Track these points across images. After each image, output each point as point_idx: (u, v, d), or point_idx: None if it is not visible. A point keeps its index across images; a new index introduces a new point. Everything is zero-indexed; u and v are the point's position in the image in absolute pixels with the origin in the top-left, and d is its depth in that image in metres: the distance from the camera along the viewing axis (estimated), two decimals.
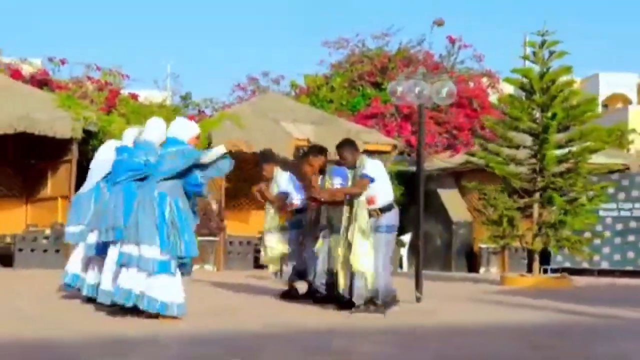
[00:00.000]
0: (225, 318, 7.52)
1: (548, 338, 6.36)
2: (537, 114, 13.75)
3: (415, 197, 20.23)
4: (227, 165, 7.25)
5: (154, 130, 7.45)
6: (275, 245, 9.40)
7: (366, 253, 7.62)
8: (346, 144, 8.12)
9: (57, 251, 15.23)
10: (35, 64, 20.75)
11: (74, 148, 15.41)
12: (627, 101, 44.19)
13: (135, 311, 7.00)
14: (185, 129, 7.20)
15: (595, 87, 42.33)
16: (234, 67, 58.26)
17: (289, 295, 9.40)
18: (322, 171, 8.76)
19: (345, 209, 7.91)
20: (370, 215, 7.80)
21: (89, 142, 15.73)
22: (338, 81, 22.09)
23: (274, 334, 6.43)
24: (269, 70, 22.75)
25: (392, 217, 8.03)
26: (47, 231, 15.68)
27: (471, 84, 22.86)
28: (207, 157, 7.12)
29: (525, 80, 13.80)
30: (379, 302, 7.86)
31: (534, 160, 13.44)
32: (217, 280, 12.60)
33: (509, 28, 64.92)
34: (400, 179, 20.42)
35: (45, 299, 8.78)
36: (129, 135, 7.92)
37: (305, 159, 8.86)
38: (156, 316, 6.90)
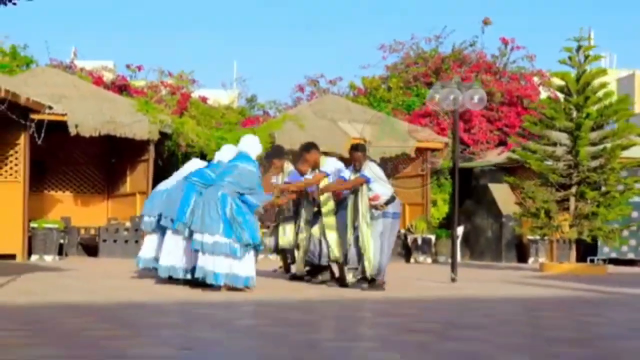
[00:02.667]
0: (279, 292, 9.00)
1: (544, 306, 7.63)
2: (574, 113, 14.83)
3: (467, 192, 21.57)
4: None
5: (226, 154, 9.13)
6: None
7: (371, 242, 9.04)
8: (358, 148, 9.57)
9: (137, 242, 16.89)
10: (109, 67, 22.48)
11: (151, 148, 17.07)
12: None
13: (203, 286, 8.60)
14: (254, 147, 8.78)
15: (631, 85, 42.55)
16: (296, 70, 59.98)
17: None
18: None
19: (351, 201, 9.33)
20: (377, 209, 9.22)
21: (164, 142, 17.40)
22: (394, 82, 23.37)
23: (323, 300, 7.85)
24: (326, 72, 23.96)
25: (396, 206, 9.47)
26: (127, 224, 17.37)
27: (523, 83, 23.85)
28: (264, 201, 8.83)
29: (562, 83, 14.92)
30: (379, 278, 9.19)
31: (569, 157, 14.56)
32: None
33: (561, 28, 65.33)
34: (453, 174, 21.60)
35: (124, 278, 10.37)
36: (226, 151, 9.49)
37: (301, 155, 10.13)
38: (228, 288, 8.44)
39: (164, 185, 10.20)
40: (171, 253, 9.22)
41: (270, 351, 4.38)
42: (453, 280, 10.52)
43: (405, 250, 19.37)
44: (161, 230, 9.69)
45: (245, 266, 8.50)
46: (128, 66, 21.37)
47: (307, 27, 67.49)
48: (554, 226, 14.51)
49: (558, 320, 6.24)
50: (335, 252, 9.49)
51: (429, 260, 18.87)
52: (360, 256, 9.07)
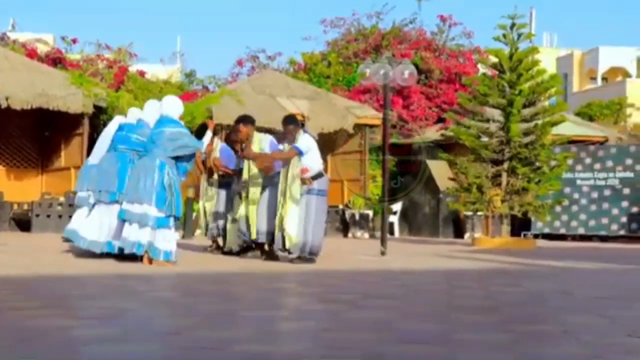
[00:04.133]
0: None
1: (464, 277, 7.77)
2: (507, 90, 15.03)
3: (406, 168, 21.75)
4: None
5: (153, 110, 8.94)
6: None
7: (294, 218, 9.00)
8: (290, 120, 9.52)
9: (71, 217, 16.67)
10: (46, 40, 22.10)
11: (86, 122, 16.84)
12: (626, 75, 45.15)
13: (130, 259, 8.52)
14: (175, 108, 8.63)
15: (595, 61, 43.32)
16: (236, 46, 59.45)
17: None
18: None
19: (282, 175, 9.25)
20: (303, 183, 9.16)
21: (99, 116, 17.17)
22: (333, 57, 23.39)
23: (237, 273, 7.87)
24: (267, 48, 23.92)
25: (322, 183, 9.34)
26: (61, 198, 17.13)
27: (461, 61, 24.08)
28: (203, 145, 8.67)
29: (496, 60, 15.11)
30: (305, 255, 9.14)
31: (502, 133, 14.77)
32: None
33: (500, 5, 65.95)
34: (391, 150, 21.75)
35: (51, 252, 10.25)
36: (133, 113, 9.38)
37: (235, 127, 10.12)
38: (150, 262, 8.37)
39: (93, 158, 10.05)
40: (97, 227, 9.11)
41: (179, 321, 4.38)
42: (382, 253, 10.63)
43: (343, 225, 19.50)
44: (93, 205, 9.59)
45: (167, 240, 8.43)
46: (63, 38, 20.98)
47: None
48: (485, 201, 14.73)
49: (472, 291, 6.35)
50: (253, 231, 9.40)
51: (367, 235, 19.02)
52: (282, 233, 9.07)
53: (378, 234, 19.55)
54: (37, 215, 16.85)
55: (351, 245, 14.53)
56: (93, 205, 9.37)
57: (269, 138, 10.57)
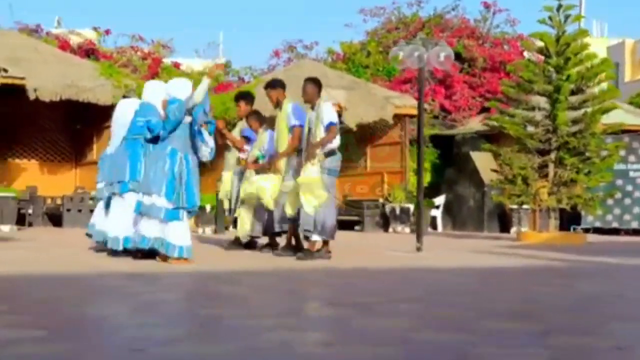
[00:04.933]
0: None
1: (502, 276, 7.03)
2: (554, 76, 14.16)
3: (449, 160, 20.95)
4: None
5: (153, 90, 8.34)
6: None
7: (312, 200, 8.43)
8: (313, 81, 8.89)
9: None
10: (85, 35, 21.75)
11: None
12: None
13: (149, 256, 7.92)
14: (182, 88, 8.02)
15: (621, 53, 41.77)
16: (273, 36, 58.58)
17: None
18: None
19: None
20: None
21: None
22: (373, 46, 22.65)
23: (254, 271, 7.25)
24: (305, 38, 23.24)
25: (333, 162, 8.67)
26: (93, 192, 16.69)
27: (506, 48, 23.16)
28: (198, 94, 7.88)
29: (541, 43, 14.24)
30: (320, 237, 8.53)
31: (548, 121, 13.91)
32: None
33: None
34: (434, 142, 21.01)
35: (71, 248, 9.74)
36: (151, 90, 8.74)
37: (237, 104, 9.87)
38: (165, 259, 7.78)
39: (110, 148, 9.50)
40: (116, 221, 8.53)
41: (155, 332, 3.75)
42: (418, 249, 9.92)
43: (384, 219, 18.79)
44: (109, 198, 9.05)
45: (180, 234, 7.82)
46: (95, 29, 20.58)
47: None
48: (531, 194, 13.90)
49: (508, 292, 5.62)
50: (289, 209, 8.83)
51: (408, 230, 18.27)
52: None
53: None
54: (68, 210, 16.45)
55: (389, 240, 13.80)
56: (109, 199, 8.82)
57: (290, 105, 9.87)
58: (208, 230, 15.20)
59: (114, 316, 4.20)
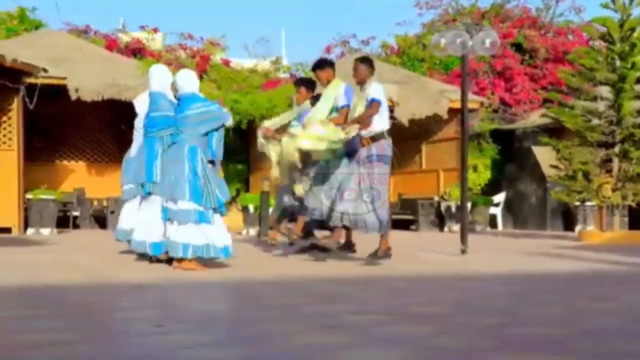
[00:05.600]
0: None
1: (544, 284, 6.23)
2: (618, 63, 13.18)
3: (510, 155, 20.00)
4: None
5: (159, 79, 7.76)
6: None
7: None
8: (365, 60, 8.31)
9: None
10: (125, 30, 21.35)
11: None
12: None
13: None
14: (194, 81, 7.45)
15: None
16: (326, 32, 57.49)
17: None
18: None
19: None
20: (362, 144, 7.95)
21: None
22: (429, 38, 21.76)
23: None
24: (360, 33, 22.50)
25: (382, 147, 8.00)
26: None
27: (570, 38, 22.06)
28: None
29: (603, 29, 13.27)
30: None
31: (611, 112, 12.94)
32: None
33: None
34: (494, 137, 20.09)
35: (98, 253, 9.26)
36: (157, 76, 8.16)
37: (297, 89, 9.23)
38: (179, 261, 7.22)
39: (132, 150, 8.96)
40: (143, 225, 7.98)
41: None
42: (463, 252, 9.15)
43: (439, 218, 17.97)
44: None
45: (220, 234, 7.24)
46: (143, 28, 20.23)
47: None
48: (593, 190, 12.94)
49: (545, 307, 4.82)
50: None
51: None
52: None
53: (477, 227, 18.00)
54: (112, 212, 16.08)
55: (439, 241, 13.01)
56: (141, 201, 8.28)
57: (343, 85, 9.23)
58: (252, 232, 14.62)
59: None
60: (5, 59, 12.91)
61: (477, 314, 4.43)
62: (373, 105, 7.85)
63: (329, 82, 8.63)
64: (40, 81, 14.09)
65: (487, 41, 9.04)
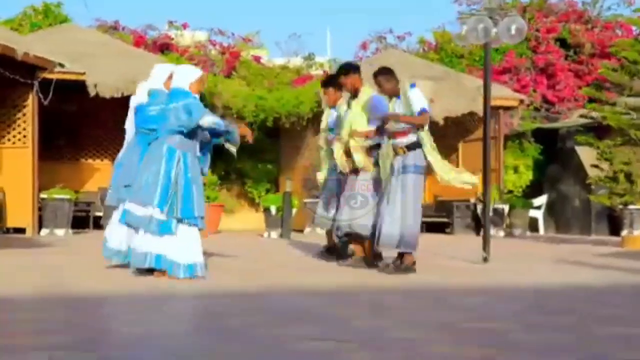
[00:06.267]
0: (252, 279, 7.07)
1: (566, 302, 5.44)
2: None
3: (552, 156, 19.04)
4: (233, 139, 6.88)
5: (159, 77, 7.09)
6: None
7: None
8: (383, 74, 7.56)
9: None
10: (154, 25, 20.83)
11: None
12: None
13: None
14: (185, 75, 6.75)
15: None
16: (361, 27, 56.00)
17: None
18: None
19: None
20: (396, 152, 7.35)
21: None
22: None
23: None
24: (396, 28, 21.73)
25: (420, 157, 7.36)
26: None
27: (619, 32, 20.97)
28: (210, 120, 6.62)
29: None
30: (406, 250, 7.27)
31: None
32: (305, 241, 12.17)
33: None
34: (536, 136, 19.17)
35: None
36: (142, 88, 7.51)
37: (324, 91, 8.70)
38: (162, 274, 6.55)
39: (121, 153, 8.16)
40: (124, 233, 7.25)
41: None
42: (485, 260, 8.35)
43: (475, 222, 17.10)
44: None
45: (184, 249, 6.49)
46: (171, 23, 19.73)
47: None
48: (637, 192, 12.00)
49: (552, 332, 4.05)
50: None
51: (502, 233, 16.55)
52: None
53: (516, 231, 17.08)
54: None
55: (470, 246, 12.16)
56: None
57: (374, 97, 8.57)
58: (274, 234, 13.97)
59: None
60: (16, 53, 12.41)
61: (439, 342, 3.68)
62: (423, 116, 7.29)
63: (354, 88, 7.97)
64: (56, 76, 13.59)
65: (513, 28, 8.25)
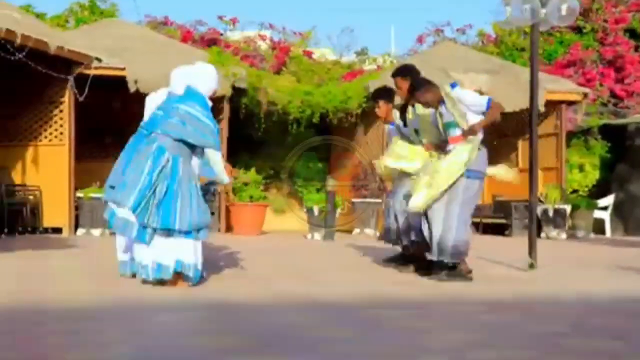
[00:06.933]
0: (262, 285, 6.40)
1: (604, 315, 4.61)
2: None
3: (621, 154, 17.92)
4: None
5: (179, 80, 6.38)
6: None
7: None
8: (422, 84, 6.84)
9: (212, 213, 14.78)
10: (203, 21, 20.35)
11: (225, 107, 14.76)
12: None
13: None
14: (206, 79, 6.12)
15: None
16: (418, 21, 54.35)
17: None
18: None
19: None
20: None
21: (240, 99, 15.11)
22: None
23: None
24: (455, 21, 20.84)
25: (478, 161, 6.59)
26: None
27: None
28: (216, 160, 6.02)
29: None
30: (451, 260, 6.56)
31: None
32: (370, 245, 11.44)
33: None
34: (603, 133, 18.09)
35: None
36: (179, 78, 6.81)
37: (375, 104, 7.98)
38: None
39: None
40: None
41: None
42: (531, 266, 7.52)
43: (536, 223, 16.10)
44: None
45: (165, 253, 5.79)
46: (220, 18, 19.23)
47: None
48: None
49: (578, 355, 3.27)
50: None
51: (564, 235, 15.56)
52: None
53: (579, 233, 16.04)
54: None
55: (525, 249, 11.26)
56: None
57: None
58: (317, 236, 13.28)
59: None
60: (49, 46, 12.00)
61: None
62: (494, 105, 6.68)
63: (410, 93, 7.17)
64: (94, 72, 13.18)
65: (564, 7, 7.38)
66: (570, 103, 16.62)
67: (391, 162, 7.53)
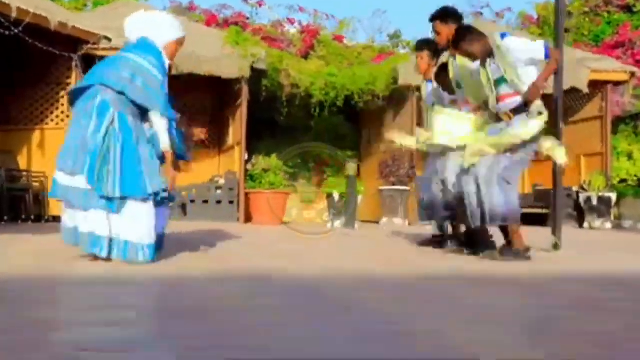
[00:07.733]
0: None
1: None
2: None
3: None
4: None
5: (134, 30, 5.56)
6: None
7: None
8: (464, 36, 6.00)
9: (231, 202, 14.07)
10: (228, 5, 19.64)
11: (244, 89, 13.97)
12: None
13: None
14: (162, 28, 5.32)
15: None
16: (457, 3, 52.15)
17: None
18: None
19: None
20: (499, 120, 5.94)
21: (260, 82, 14.33)
22: (577, 5, 18.68)
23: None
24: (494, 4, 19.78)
25: (536, 128, 5.90)
26: (221, 181, 14.53)
27: None
28: (159, 127, 5.17)
29: None
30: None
31: None
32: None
33: None
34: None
35: None
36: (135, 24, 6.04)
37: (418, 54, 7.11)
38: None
39: None
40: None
41: None
42: (555, 247, 6.59)
43: (578, 212, 15.02)
44: None
45: (133, 228, 5.02)
46: (246, 1, 18.47)
47: None
48: None
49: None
50: None
51: (608, 225, 14.46)
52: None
53: (625, 223, 14.91)
54: (192, 201, 14.38)
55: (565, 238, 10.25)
56: None
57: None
58: (337, 223, 12.40)
59: None
60: (50, 22, 11.33)
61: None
62: (554, 53, 5.96)
63: (453, 43, 6.20)
64: (101, 52, 12.48)
65: None
66: (616, 84, 15.47)
67: (436, 138, 6.63)
